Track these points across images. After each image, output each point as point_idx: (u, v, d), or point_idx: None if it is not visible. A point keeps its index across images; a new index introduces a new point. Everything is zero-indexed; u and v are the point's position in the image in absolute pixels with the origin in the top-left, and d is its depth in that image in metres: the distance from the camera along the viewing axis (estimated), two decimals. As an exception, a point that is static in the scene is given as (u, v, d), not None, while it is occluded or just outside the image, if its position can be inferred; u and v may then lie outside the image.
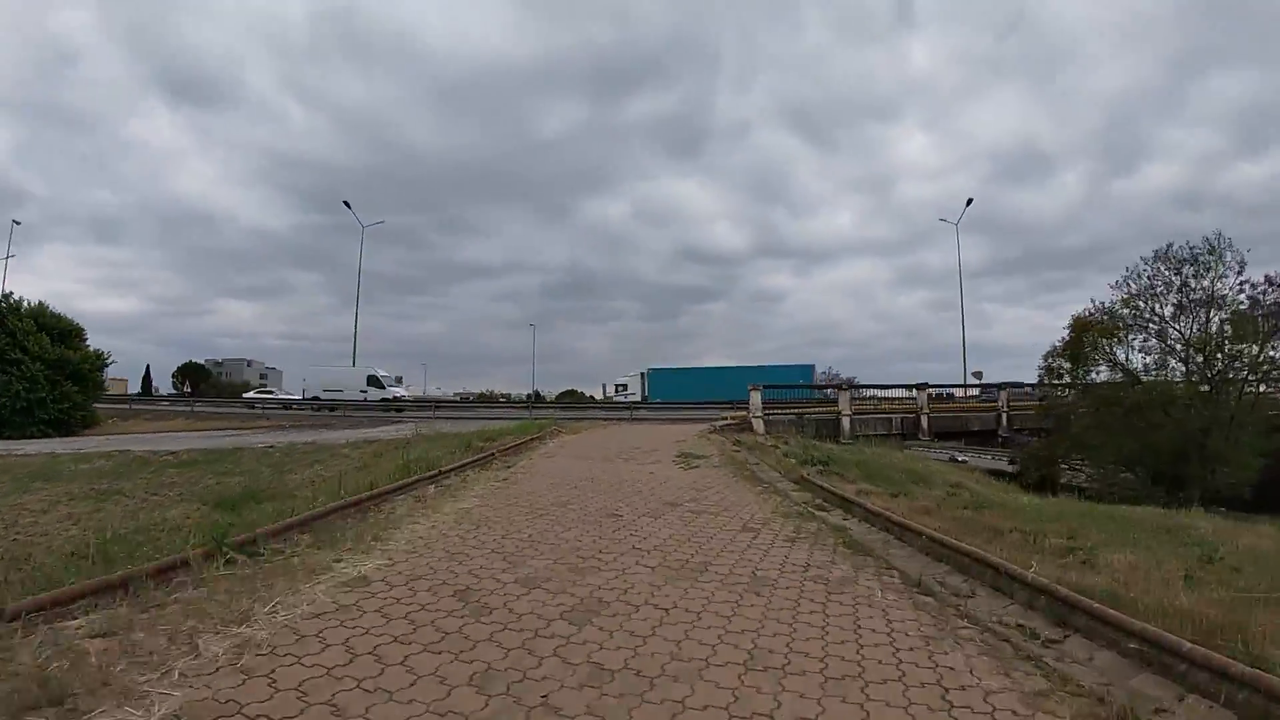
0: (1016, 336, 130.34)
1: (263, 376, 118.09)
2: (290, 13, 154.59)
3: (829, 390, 21.19)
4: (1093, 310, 20.99)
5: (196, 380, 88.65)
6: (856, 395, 21.18)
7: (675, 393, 33.99)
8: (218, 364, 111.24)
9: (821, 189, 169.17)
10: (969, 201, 37.91)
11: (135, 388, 79.40)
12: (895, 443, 19.84)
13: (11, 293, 26.99)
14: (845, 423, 19.29)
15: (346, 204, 37.25)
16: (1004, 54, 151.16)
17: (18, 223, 40.92)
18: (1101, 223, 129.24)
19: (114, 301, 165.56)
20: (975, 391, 28.68)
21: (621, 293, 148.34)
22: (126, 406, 34.68)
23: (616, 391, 46.31)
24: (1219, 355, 18.45)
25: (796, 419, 18.71)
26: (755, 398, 18.09)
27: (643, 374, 44.54)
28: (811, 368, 41.08)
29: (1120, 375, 19.89)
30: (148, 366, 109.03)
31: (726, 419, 20.15)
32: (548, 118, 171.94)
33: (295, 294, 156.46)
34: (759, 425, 17.67)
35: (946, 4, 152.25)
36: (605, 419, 22.74)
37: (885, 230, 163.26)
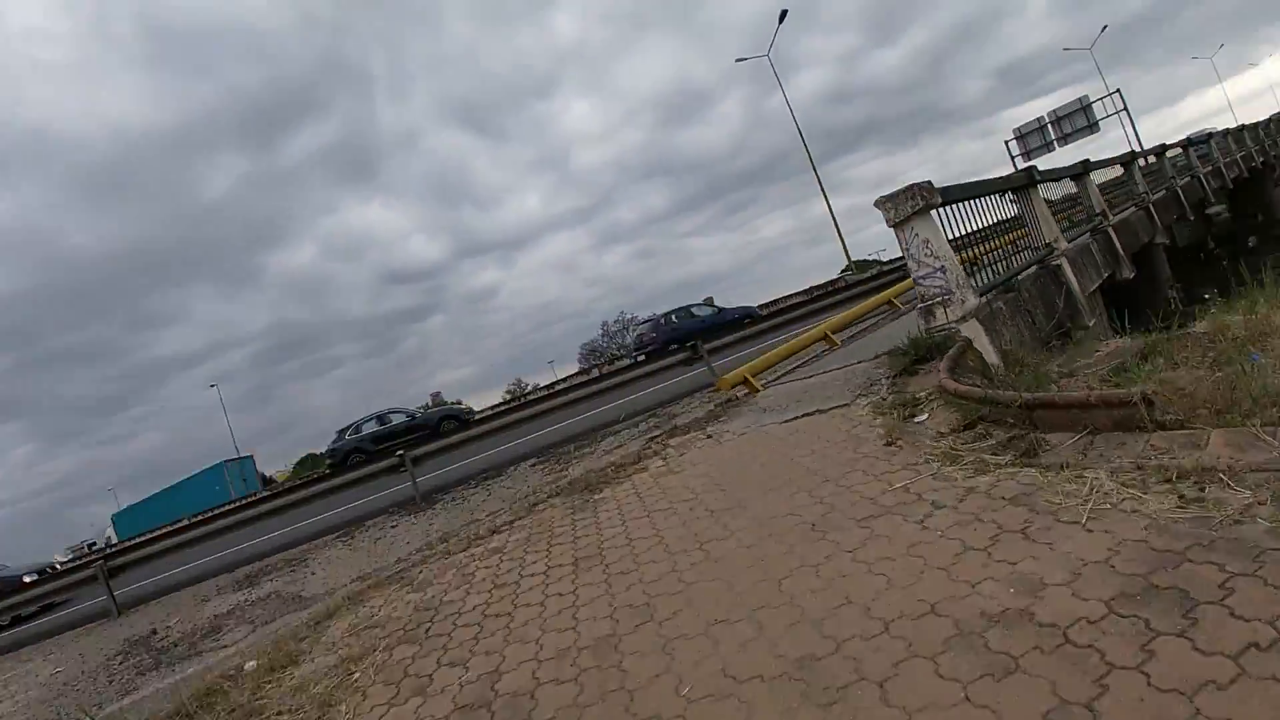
0: (722, 261, 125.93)
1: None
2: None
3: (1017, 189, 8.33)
4: None
5: None
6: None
7: (152, 521, 26.50)
8: None
9: (503, 178, 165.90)
10: (783, 15, 26.53)
11: None
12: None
13: None
14: (1069, 271, 7.42)
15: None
16: (644, 6, 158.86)
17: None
18: (766, 139, 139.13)
19: None
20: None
21: (337, 337, 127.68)
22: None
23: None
24: None
25: (1005, 290, 6.46)
26: (938, 240, 5.36)
27: (111, 521, 38.40)
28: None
29: None
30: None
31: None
32: (210, 178, 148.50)
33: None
34: (977, 334, 5.10)
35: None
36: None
37: (573, 199, 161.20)
